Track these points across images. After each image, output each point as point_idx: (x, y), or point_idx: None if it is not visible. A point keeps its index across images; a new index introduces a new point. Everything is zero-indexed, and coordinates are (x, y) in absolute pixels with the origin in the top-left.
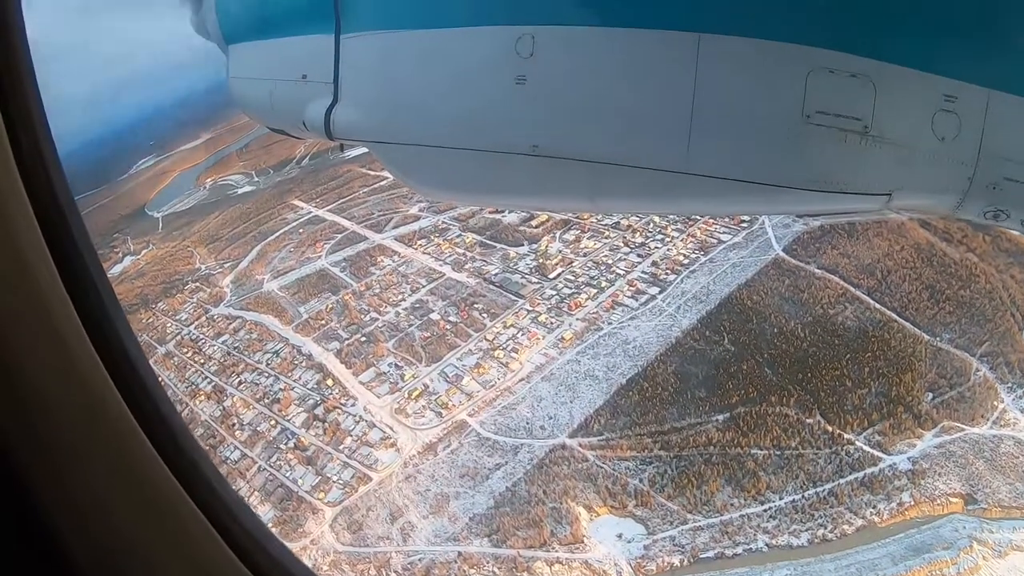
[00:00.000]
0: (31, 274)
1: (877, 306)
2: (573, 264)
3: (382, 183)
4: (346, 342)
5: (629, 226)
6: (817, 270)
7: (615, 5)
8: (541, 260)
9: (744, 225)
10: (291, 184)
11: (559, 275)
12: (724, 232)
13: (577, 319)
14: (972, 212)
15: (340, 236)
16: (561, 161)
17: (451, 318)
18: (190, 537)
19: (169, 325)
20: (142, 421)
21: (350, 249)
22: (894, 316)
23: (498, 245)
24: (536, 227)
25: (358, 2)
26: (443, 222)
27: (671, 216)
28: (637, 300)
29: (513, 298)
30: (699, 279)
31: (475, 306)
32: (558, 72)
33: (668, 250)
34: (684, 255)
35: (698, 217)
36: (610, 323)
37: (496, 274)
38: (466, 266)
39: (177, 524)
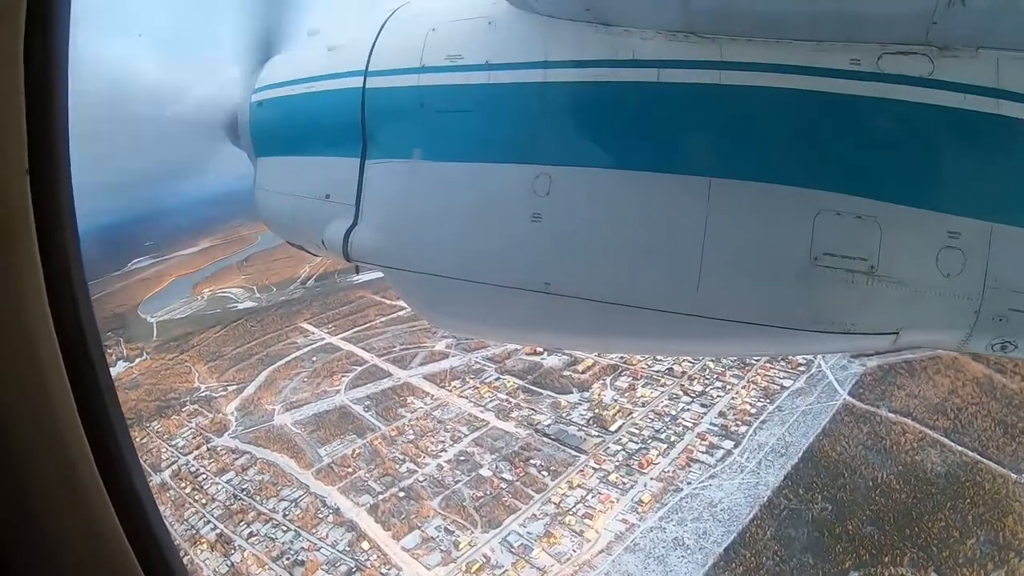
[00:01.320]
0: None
1: (959, 448)
2: (633, 415)
3: (400, 313)
4: (380, 497)
5: (684, 372)
6: (890, 414)
7: (630, 149)
8: (597, 410)
9: (802, 368)
10: (298, 305)
11: (620, 427)
12: (784, 377)
13: (651, 478)
14: (980, 345)
15: (360, 369)
16: (572, 300)
17: (505, 475)
18: None
19: (164, 450)
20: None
21: (373, 385)
22: (978, 457)
23: (544, 392)
24: (583, 372)
25: (384, 130)
26: (476, 362)
27: (725, 360)
28: (712, 455)
29: (573, 453)
30: (772, 430)
31: (531, 462)
32: (573, 212)
33: (732, 399)
34: (750, 404)
35: (754, 360)
36: (689, 483)
37: (549, 425)
38: (512, 414)
39: None
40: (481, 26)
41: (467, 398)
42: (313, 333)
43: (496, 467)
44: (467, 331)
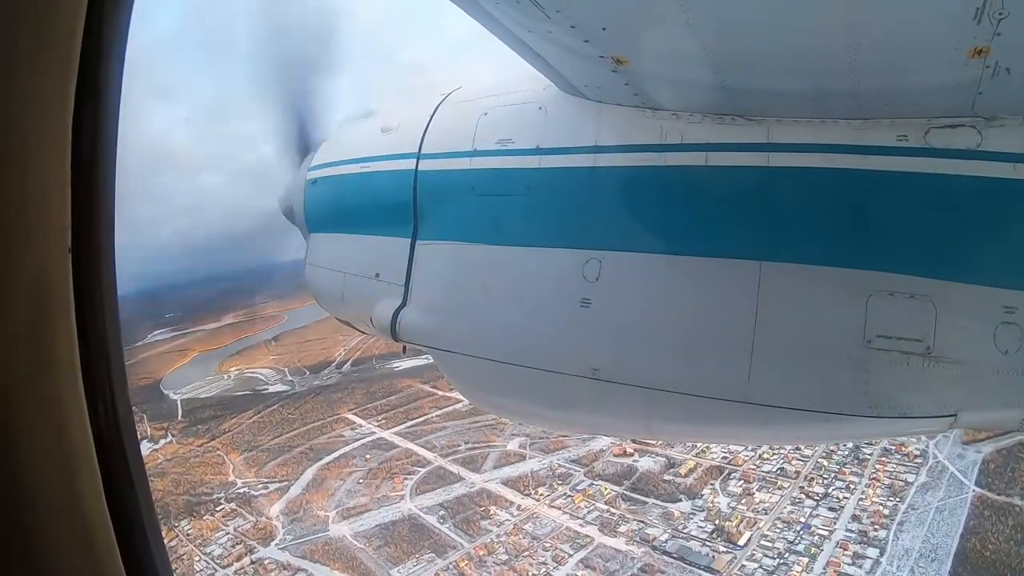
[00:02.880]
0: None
1: None
2: (758, 525)
3: (457, 407)
4: None
5: (798, 472)
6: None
7: (680, 234)
8: (717, 520)
9: (919, 460)
10: (338, 392)
11: (749, 540)
12: (906, 472)
13: None
14: None
15: (424, 471)
16: (620, 386)
17: None
18: None
19: (198, 559)
20: None
21: (443, 491)
22: None
23: (649, 499)
24: (686, 476)
25: (436, 211)
26: (559, 464)
27: (838, 456)
28: (860, 567)
29: (704, 575)
30: (913, 532)
31: None
32: (622, 297)
33: (860, 499)
34: (880, 504)
35: (868, 454)
36: None
37: (667, 541)
38: (619, 528)
39: None
40: (532, 111)
41: (560, 508)
42: (361, 425)
43: None
44: (515, 416)
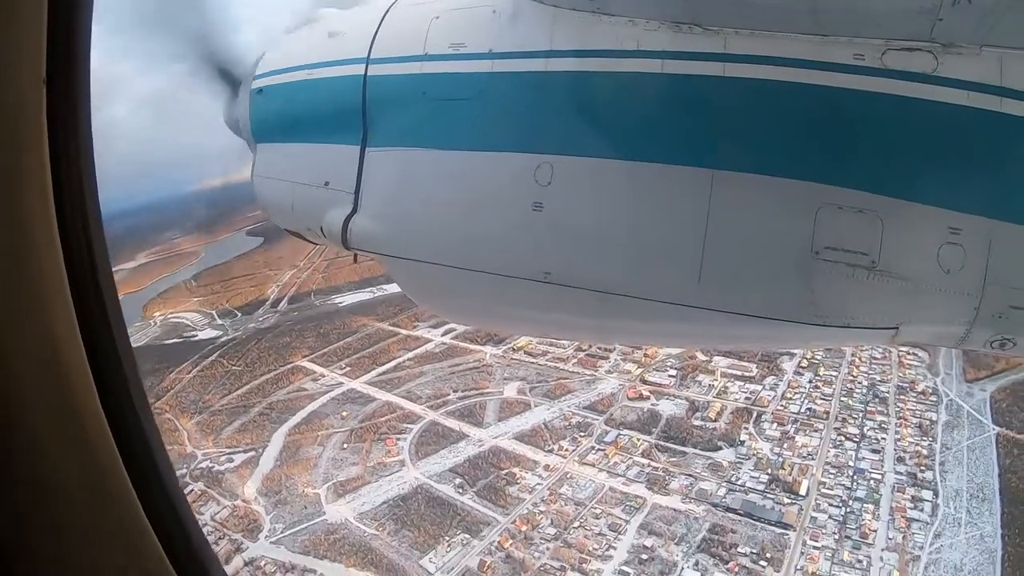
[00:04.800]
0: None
1: None
2: (812, 471)
3: (429, 347)
4: None
5: (826, 412)
6: None
7: (633, 140)
8: (771, 470)
9: (934, 399)
10: (283, 336)
11: (808, 489)
12: (925, 410)
13: (883, 550)
14: (978, 342)
15: (417, 428)
16: (572, 290)
17: (717, 575)
18: None
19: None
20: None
21: (449, 453)
22: None
23: (688, 448)
24: (715, 420)
25: (385, 117)
26: (571, 412)
27: (859, 394)
28: (921, 510)
29: (779, 531)
30: (956, 472)
31: (737, 550)
32: (574, 201)
33: (898, 440)
34: (915, 443)
35: (886, 393)
36: (922, 547)
37: (725, 496)
38: (670, 485)
39: None
40: (485, 15)
41: (594, 465)
42: (322, 375)
43: (698, 564)
44: (469, 319)
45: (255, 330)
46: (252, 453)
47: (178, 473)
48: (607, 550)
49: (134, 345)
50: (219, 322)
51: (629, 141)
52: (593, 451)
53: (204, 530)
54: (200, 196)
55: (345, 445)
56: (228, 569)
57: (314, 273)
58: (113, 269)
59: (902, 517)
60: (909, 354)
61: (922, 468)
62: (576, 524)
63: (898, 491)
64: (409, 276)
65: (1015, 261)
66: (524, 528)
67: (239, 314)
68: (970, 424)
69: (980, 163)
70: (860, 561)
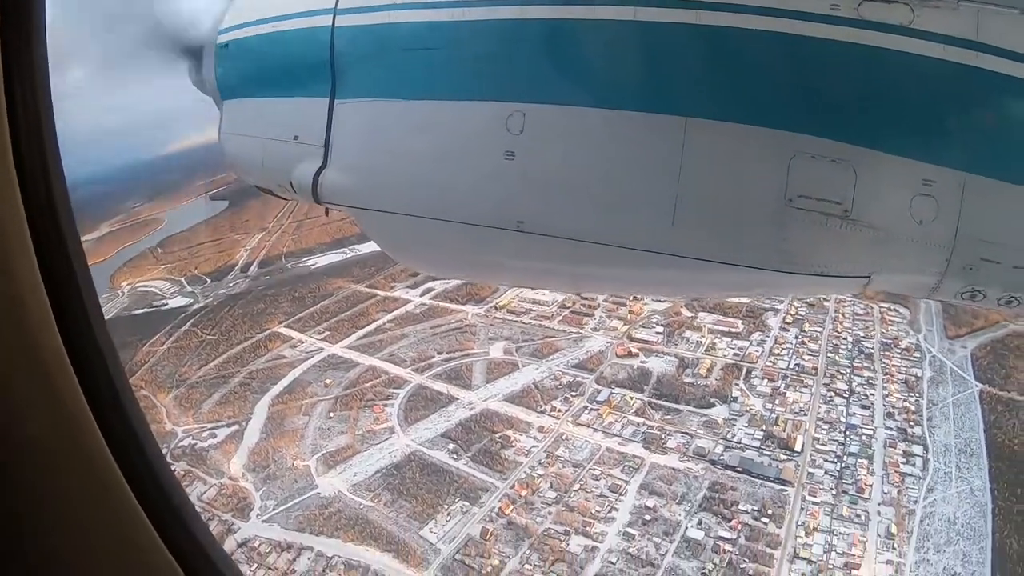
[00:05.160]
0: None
1: None
2: (806, 428)
3: (409, 308)
4: None
5: (814, 368)
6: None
7: (606, 87)
8: (764, 426)
9: (917, 355)
10: (257, 302)
11: (803, 445)
12: (910, 366)
13: (879, 504)
14: (949, 293)
15: (403, 393)
16: (545, 238)
17: (721, 532)
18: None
19: None
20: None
21: (440, 417)
22: None
23: (682, 406)
24: (706, 376)
25: (354, 68)
26: (561, 372)
27: (845, 352)
28: (913, 464)
29: (777, 487)
30: (943, 427)
31: (738, 507)
32: (547, 150)
33: (886, 396)
34: (903, 399)
35: (871, 349)
36: (915, 501)
37: (722, 454)
38: (667, 444)
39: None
40: None
41: (589, 425)
42: (301, 341)
43: (701, 523)
44: (441, 271)
45: (227, 296)
46: (235, 427)
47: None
48: (609, 512)
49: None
50: (189, 289)
51: (602, 89)
52: (586, 411)
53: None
54: (160, 162)
55: (331, 414)
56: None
57: (284, 235)
58: None
59: (896, 472)
60: (891, 310)
61: (911, 424)
62: (576, 487)
63: (890, 446)
64: (381, 228)
65: (987, 214)
66: (524, 493)
67: (209, 280)
68: (954, 381)
69: (954, 117)
70: (859, 516)
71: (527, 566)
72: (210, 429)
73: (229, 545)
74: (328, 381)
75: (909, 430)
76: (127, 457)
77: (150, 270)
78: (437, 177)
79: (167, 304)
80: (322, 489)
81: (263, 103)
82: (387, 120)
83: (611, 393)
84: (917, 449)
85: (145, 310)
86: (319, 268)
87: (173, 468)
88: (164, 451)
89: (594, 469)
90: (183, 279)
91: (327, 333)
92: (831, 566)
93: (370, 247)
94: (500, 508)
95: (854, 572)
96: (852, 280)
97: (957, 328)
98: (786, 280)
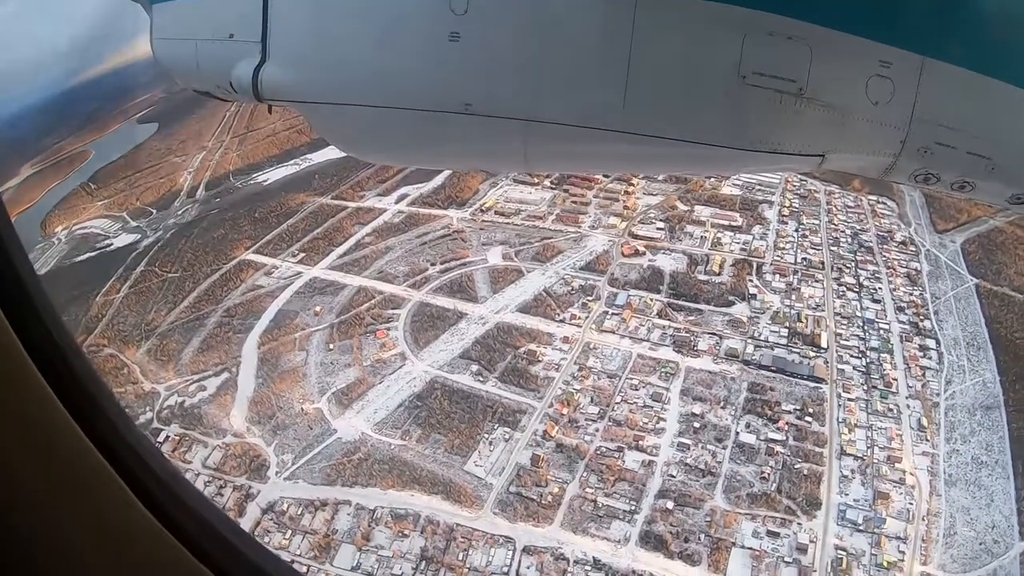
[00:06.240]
0: None
1: None
2: (826, 323)
3: (386, 218)
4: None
5: (821, 262)
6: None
7: None
8: (788, 323)
9: (913, 249)
10: (214, 229)
11: (828, 341)
12: (909, 259)
13: (907, 397)
14: (903, 175)
15: (403, 313)
16: (495, 120)
17: (770, 434)
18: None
19: None
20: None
21: (452, 337)
22: None
23: (703, 306)
24: (719, 273)
25: None
26: (570, 275)
27: (843, 240)
28: (929, 357)
29: (813, 385)
30: (948, 320)
31: (781, 408)
32: (493, 29)
33: (893, 290)
34: (908, 293)
35: (870, 242)
36: (938, 394)
37: (753, 354)
38: (698, 346)
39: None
40: None
41: (614, 331)
42: (275, 267)
43: (749, 426)
44: (394, 159)
45: (179, 226)
46: (226, 374)
47: (144, 419)
48: (657, 423)
49: (40, 271)
50: (134, 224)
51: None
52: (608, 316)
53: (199, 481)
54: (75, 92)
55: (331, 345)
56: (246, 521)
57: (227, 153)
58: None
59: (916, 365)
60: (879, 202)
61: (920, 317)
62: (618, 399)
63: (906, 340)
64: (328, 121)
65: (944, 99)
66: (565, 411)
67: (154, 211)
68: (950, 275)
69: None
70: (891, 410)
71: (588, 490)
72: (197, 382)
73: (252, 513)
74: (318, 308)
75: (920, 323)
76: (84, 420)
77: (86, 209)
78: (381, 64)
79: (112, 244)
80: (342, 433)
81: (194, 3)
82: (324, 8)
83: (629, 296)
84: (930, 343)
85: (89, 254)
86: (273, 184)
87: (165, 433)
88: (147, 416)
89: (631, 378)
90: (125, 214)
91: (302, 255)
92: (876, 460)
93: (324, 156)
94: (546, 431)
95: (896, 465)
96: (806, 158)
97: (945, 222)
98: (739, 157)
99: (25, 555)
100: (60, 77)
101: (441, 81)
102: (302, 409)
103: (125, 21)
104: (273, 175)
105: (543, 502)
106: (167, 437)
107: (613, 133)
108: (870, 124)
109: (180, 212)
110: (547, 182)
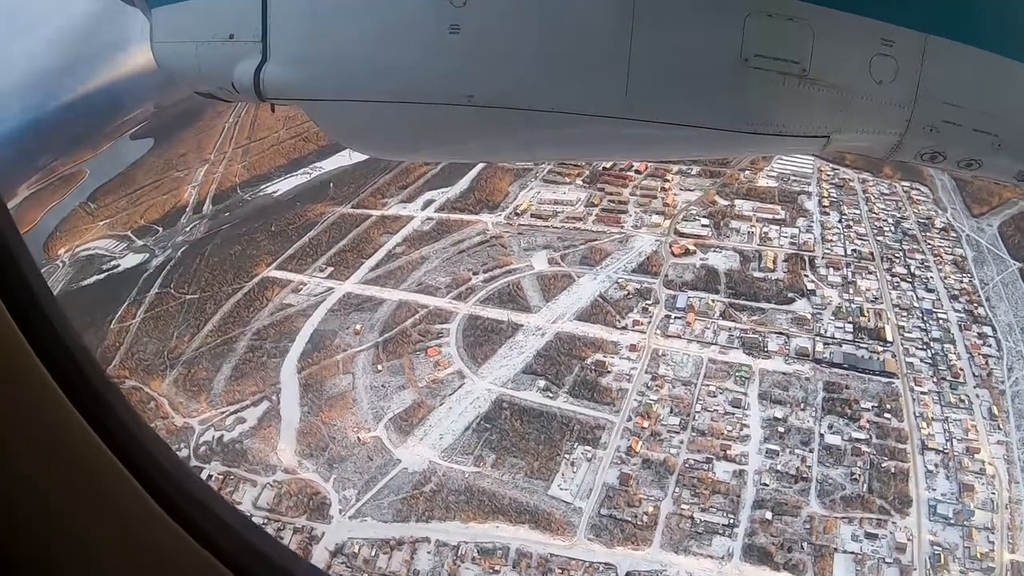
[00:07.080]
0: None
1: None
2: (888, 317)
3: (415, 225)
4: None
5: (870, 253)
6: None
7: None
8: (851, 318)
9: (953, 235)
10: (231, 246)
11: (892, 335)
12: (952, 245)
13: (975, 387)
14: (909, 154)
15: (453, 328)
16: (498, 111)
17: (852, 433)
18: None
19: None
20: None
21: (511, 351)
22: None
23: (766, 304)
24: (773, 269)
25: None
26: (620, 278)
27: (886, 230)
28: (989, 346)
29: (884, 380)
30: (1000, 307)
31: (859, 406)
32: (493, 20)
33: (943, 278)
34: (959, 280)
35: (912, 230)
36: (1003, 381)
37: (822, 352)
38: (768, 348)
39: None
40: None
41: (680, 336)
42: (303, 284)
43: (832, 427)
44: (399, 154)
45: (188, 244)
46: (266, 404)
47: (180, 456)
48: (741, 430)
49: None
50: (140, 243)
51: None
52: (671, 321)
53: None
54: (65, 110)
55: (378, 367)
56: (316, 563)
57: (231, 164)
58: None
59: (979, 354)
60: (912, 188)
61: (974, 304)
62: (698, 408)
63: (964, 328)
64: (331, 117)
65: (949, 76)
66: (644, 424)
67: (160, 229)
68: (994, 260)
69: None
70: (962, 401)
71: (683, 506)
72: (234, 413)
73: (320, 556)
74: (358, 327)
75: (975, 311)
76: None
77: (88, 229)
78: (381, 58)
79: (120, 266)
80: (408, 463)
81: (193, 5)
82: (323, 6)
83: (688, 298)
84: (987, 330)
85: (96, 277)
86: (284, 195)
87: (207, 472)
88: (184, 454)
89: (707, 384)
90: (129, 233)
91: (330, 269)
92: (956, 452)
93: (335, 163)
94: (632, 446)
95: (976, 456)
96: (811, 139)
97: (980, 206)
98: (744, 140)
99: (40, 555)
100: (48, 97)
101: (442, 74)
102: (358, 438)
103: (106, 38)
104: (283, 186)
105: (638, 523)
106: (209, 476)
107: (616, 120)
108: (874, 104)
109: (188, 229)
110: (579, 180)
